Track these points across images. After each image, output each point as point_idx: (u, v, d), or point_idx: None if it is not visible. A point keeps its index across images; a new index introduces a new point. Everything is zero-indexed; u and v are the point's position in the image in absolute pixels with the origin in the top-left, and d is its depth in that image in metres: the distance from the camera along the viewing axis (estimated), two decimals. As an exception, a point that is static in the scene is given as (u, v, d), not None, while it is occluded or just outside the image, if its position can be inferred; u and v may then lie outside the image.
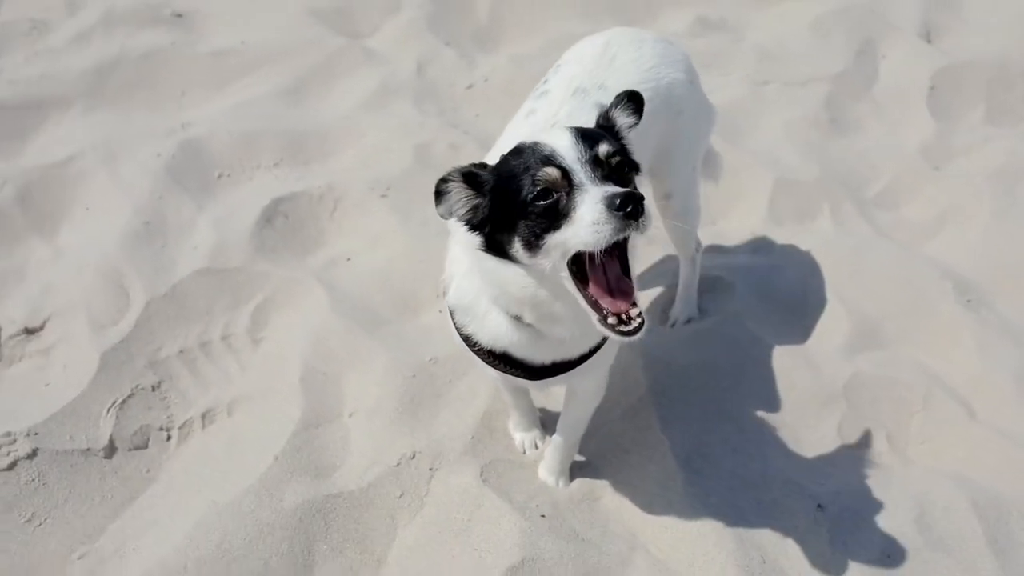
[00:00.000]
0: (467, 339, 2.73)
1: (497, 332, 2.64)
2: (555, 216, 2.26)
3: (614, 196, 2.18)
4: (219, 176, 4.46)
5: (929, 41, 5.38)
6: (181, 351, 3.74)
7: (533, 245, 2.31)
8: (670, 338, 3.73)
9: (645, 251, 4.11)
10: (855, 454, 3.45)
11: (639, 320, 2.30)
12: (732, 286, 3.94)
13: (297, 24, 5.29)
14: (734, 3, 5.69)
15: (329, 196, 4.37)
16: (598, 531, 3.16)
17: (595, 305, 2.32)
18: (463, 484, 3.23)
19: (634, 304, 2.31)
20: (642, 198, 2.18)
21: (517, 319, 2.57)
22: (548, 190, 2.26)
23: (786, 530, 3.16)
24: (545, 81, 3.13)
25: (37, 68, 4.98)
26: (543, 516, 3.14)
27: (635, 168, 2.45)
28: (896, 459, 3.47)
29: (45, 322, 3.85)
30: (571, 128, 2.38)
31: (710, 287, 3.95)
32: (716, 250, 4.18)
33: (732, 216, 4.41)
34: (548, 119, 2.90)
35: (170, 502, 3.28)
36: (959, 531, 3.17)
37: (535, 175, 2.27)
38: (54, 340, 3.79)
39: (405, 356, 3.62)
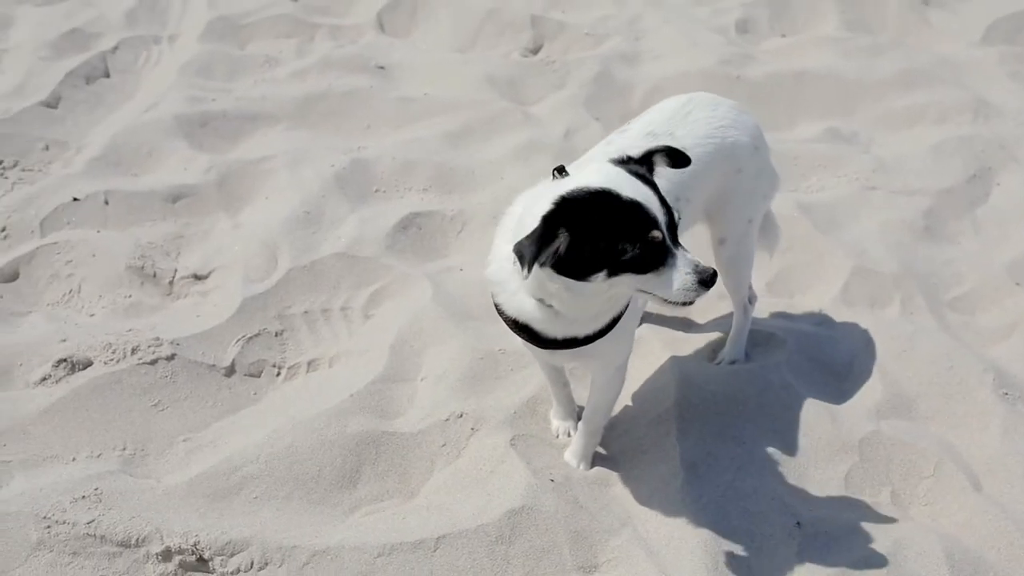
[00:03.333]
0: (497, 307, 3.34)
1: (522, 308, 3.20)
2: (647, 263, 2.86)
3: (704, 271, 2.85)
4: (376, 190, 5.33)
5: (1051, 179, 5.63)
6: (306, 312, 4.54)
7: (613, 276, 2.89)
8: (710, 370, 4.18)
9: (713, 303, 4.58)
10: (854, 498, 3.75)
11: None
12: (784, 343, 4.34)
13: (474, 87, 6.19)
14: (870, 122, 6.14)
15: (459, 218, 5.13)
16: (598, 505, 3.63)
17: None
18: (495, 443, 3.80)
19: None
20: (716, 273, 2.87)
21: (541, 301, 3.14)
22: (646, 250, 2.83)
23: (761, 536, 3.52)
24: (628, 123, 3.77)
25: (260, 91, 6.10)
26: (552, 480, 3.65)
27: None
28: (895, 513, 3.74)
29: (210, 273, 4.77)
30: (644, 182, 2.92)
31: (763, 341, 4.38)
32: (782, 316, 4.60)
33: (809, 293, 4.82)
34: (618, 149, 3.50)
35: (263, 418, 4.02)
36: (926, 573, 3.42)
37: (644, 234, 2.82)
38: (213, 287, 4.70)
39: (479, 343, 4.25)
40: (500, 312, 3.34)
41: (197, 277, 4.75)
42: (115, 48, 6.45)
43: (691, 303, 2.93)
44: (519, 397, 4.03)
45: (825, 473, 3.84)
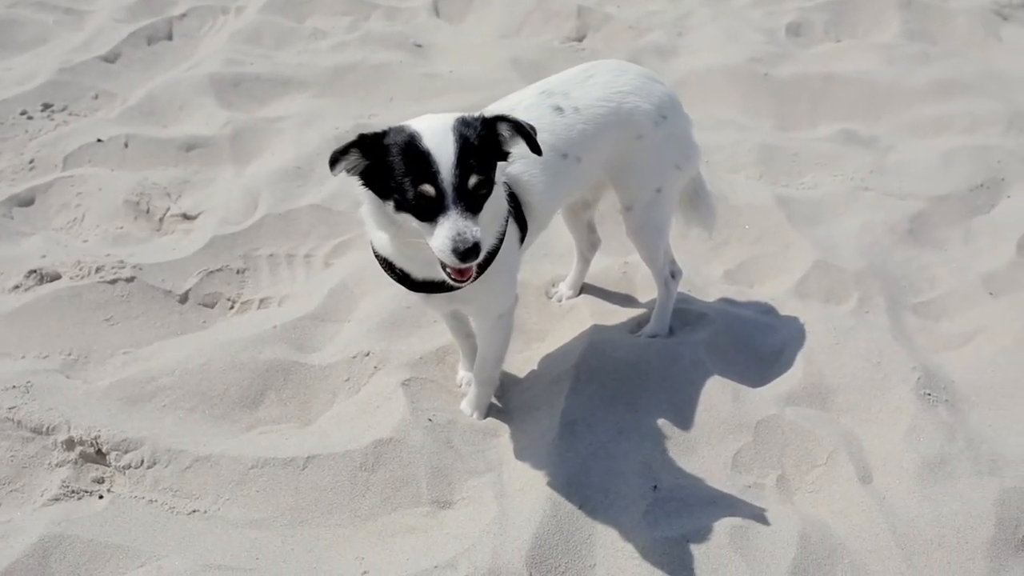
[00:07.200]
0: (371, 244, 3.52)
1: (381, 242, 3.40)
2: (420, 212, 2.98)
3: (460, 242, 2.89)
4: (374, 155, 5.58)
5: (1073, 196, 5.33)
6: (271, 254, 4.84)
7: (398, 211, 3.05)
8: (622, 339, 4.21)
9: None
10: (733, 477, 3.72)
11: (468, 281, 3.09)
12: (713, 322, 4.32)
13: (497, 67, 6.38)
14: (895, 128, 5.95)
15: (442, 185, 5.32)
16: (473, 449, 3.75)
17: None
18: (388, 382, 3.97)
19: (469, 278, 3.08)
20: (478, 248, 2.91)
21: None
22: (418, 200, 2.96)
23: (615, 494, 3.55)
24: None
25: (298, 59, 6.48)
26: (430, 420, 3.79)
27: (491, 189, 3.10)
28: (776, 497, 3.68)
29: (199, 214, 5.14)
30: (456, 139, 2.96)
31: (694, 320, 4.36)
32: (728, 301, 4.56)
33: (768, 284, 4.76)
34: (512, 104, 3.65)
35: (201, 342, 4.32)
36: (771, 548, 3.37)
37: (416, 184, 2.93)
38: (196, 226, 5.06)
39: (412, 294, 4.42)
40: (373, 251, 3.52)
41: (186, 217, 5.13)
42: (183, 15, 6.99)
43: (459, 277, 3.02)
44: (430, 345, 4.19)
45: (714, 450, 3.82)
